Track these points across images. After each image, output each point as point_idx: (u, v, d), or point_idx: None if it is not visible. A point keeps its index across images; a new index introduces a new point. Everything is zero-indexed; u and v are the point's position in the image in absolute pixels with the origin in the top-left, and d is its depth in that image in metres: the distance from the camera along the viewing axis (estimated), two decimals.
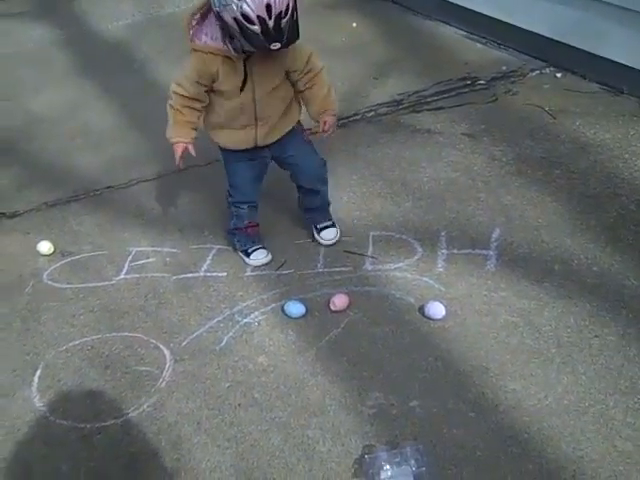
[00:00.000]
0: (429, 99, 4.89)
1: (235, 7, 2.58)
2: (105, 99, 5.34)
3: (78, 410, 2.91)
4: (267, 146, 3.25)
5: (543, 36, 5.08)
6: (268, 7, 2.56)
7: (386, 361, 2.97)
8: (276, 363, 3.02)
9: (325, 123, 3.19)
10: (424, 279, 3.35)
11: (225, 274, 3.52)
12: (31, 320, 3.36)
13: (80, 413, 2.89)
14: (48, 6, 7.28)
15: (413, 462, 2.45)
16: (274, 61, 2.93)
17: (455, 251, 3.50)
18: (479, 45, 5.55)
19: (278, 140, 3.25)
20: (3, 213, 4.14)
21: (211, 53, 2.88)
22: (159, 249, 3.74)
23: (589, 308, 3.10)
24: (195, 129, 3.15)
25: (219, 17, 2.70)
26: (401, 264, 3.45)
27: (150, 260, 3.67)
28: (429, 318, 3.13)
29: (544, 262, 3.37)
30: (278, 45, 2.67)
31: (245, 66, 2.91)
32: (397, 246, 3.56)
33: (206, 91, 3.03)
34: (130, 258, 3.69)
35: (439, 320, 3.12)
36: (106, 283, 3.55)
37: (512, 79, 5.01)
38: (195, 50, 2.90)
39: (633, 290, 3.15)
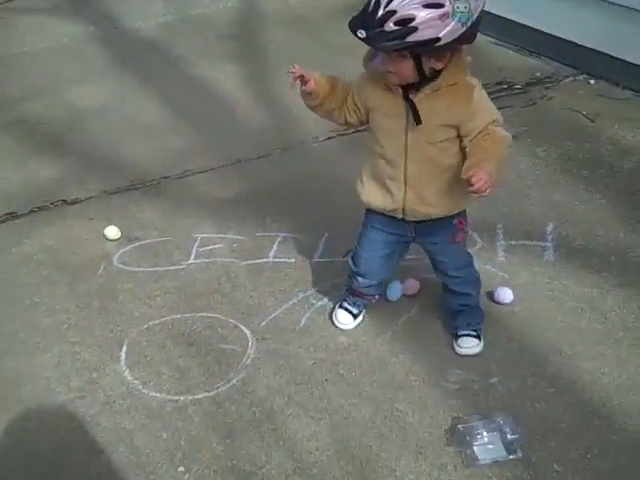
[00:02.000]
0: None
1: None
2: (147, 93, 5.45)
3: (169, 384, 3.02)
4: (414, 225, 2.77)
5: (575, 43, 5.26)
6: None
7: None
8: (356, 342, 3.15)
9: (475, 176, 2.29)
10: (487, 267, 3.50)
11: (293, 260, 3.65)
12: (109, 300, 3.46)
13: (171, 386, 3.00)
14: (78, 2, 7.37)
15: (508, 429, 2.60)
16: (444, 106, 2.45)
17: (513, 242, 3.67)
18: (510, 52, 5.74)
19: (428, 223, 2.74)
20: (64, 200, 4.24)
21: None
22: (224, 236, 3.86)
23: None
24: (327, 92, 2.61)
25: None
26: None
27: (217, 246, 3.79)
28: (498, 303, 3.28)
29: (600, 254, 3.54)
30: (362, 33, 2.22)
31: (406, 100, 2.46)
32: None
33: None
34: (197, 244, 3.81)
35: (508, 305, 3.27)
36: (177, 267, 3.66)
37: (547, 85, 5.20)
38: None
39: None
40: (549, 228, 3.74)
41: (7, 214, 4.16)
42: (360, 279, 2.99)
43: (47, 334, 3.30)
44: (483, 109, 2.50)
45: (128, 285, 3.57)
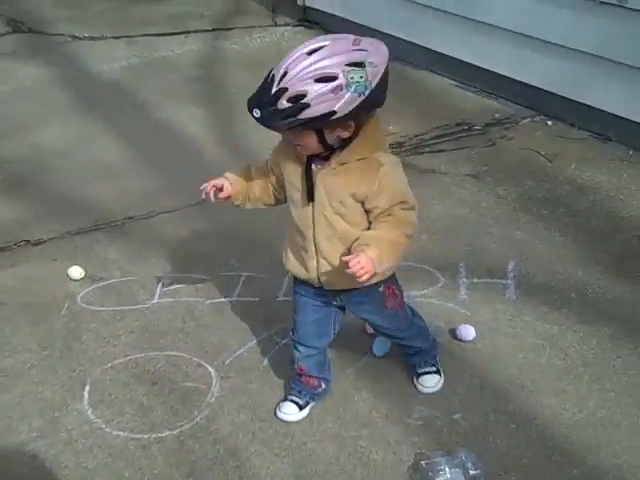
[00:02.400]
0: (430, 142, 5.14)
1: None
2: (112, 135, 5.47)
3: (132, 422, 3.00)
4: (336, 293, 2.67)
5: (532, 86, 5.39)
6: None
7: None
8: None
9: (352, 260, 2.27)
10: (450, 304, 3.55)
11: (258, 299, 3.67)
12: (72, 339, 3.46)
13: (135, 425, 2.99)
14: (41, 47, 7.38)
15: (470, 465, 2.62)
16: (350, 181, 2.36)
17: (475, 280, 3.72)
18: (470, 94, 5.85)
19: (351, 292, 2.63)
20: (27, 240, 4.23)
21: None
22: (188, 275, 3.87)
23: (608, 332, 3.33)
24: (244, 185, 2.67)
25: None
26: (425, 291, 3.65)
27: (181, 285, 3.79)
28: (460, 340, 3.32)
29: (561, 291, 3.61)
30: (257, 113, 2.21)
31: (308, 170, 2.40)
32: (419, 275, 3.75)
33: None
34: (161, 284, 3.81)
35: (470, 342, 3.31)
36: (141, 306, 3.66)
37: (506, 125, 5.31)
38: None
39: None
40: (510, 266, 3.80)
41: None
42: (300, 348, 2.84)
43: (9, 374, 3.27)
44: (390, 189, 2.35)
45: (92, 324, 3.56)
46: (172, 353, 3.36)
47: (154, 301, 3.71)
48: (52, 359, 3.36)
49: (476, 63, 5.78)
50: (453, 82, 6.00)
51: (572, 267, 3.76)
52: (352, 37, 2.21)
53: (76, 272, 3.87)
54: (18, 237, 4.26)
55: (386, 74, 2.21)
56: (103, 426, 2.99)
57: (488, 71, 5.70)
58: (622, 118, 4.85)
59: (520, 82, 5.47)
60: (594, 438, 2.83)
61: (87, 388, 3.19)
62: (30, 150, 5.35)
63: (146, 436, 2.94)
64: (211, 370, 3.25)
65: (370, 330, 3.34)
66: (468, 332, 3.33)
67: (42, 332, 3.52)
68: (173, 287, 3.80)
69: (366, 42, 2.17)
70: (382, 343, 3.29)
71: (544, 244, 3.96)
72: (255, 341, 3.41)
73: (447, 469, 2.62)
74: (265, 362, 3.29)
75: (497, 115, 5.44)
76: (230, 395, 3.12)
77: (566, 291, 3.60)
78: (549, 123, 5.28)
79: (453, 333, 3.36)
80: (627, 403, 2.97)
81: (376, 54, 2.18)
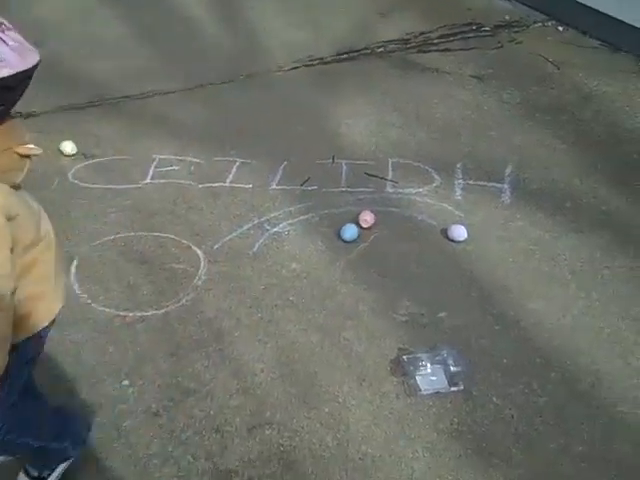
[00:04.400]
0: (435, 40, 5.02)
1: None
2: (114, 9, 5.35)
3: (118, 299, 3.00)
4: None
5: None
6: None
7: (413, 275, 3.14)
8: (308, 270, 3.16)
9: None
10: (444, 205, 3.52)
11: (250, 186, 3.64)
12: (61, 215, 3.41)
13: (120, 303, 2.99)
14: None
15: (451, 362, 2.64)
16: None
17: (471, 182, 3.68)
18: None
19: None
20: (19, 112, 4.12)
21: None
22: (182, 158, 3.82)
23: (599, 242, 3.32)
24: None
25: None
26: (420, 190, 3.62)
27: (175, 168, 3.75)
28: (452, 240, 3.31)
29: (556, 198, 3.58)
30: None
31: None
32: (415, 173, 3.72)
33: None
34: (154, 164, 3.78)
35: (461, 242, 3.30)
36: (133, 186, 3.63)
37: (515, 29, 5.19)
38: None
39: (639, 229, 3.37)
40: (507, 170, 3.76)
41: None
42: None
43: None
44: None
45: (82, 201, 3.53)
46: (162, 234, 3.34)
47: (147, 181, 3.68)
48: None
49: None
50: None
51: (570, 175, 3.73)
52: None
53: (68, 147, 3.82)
54: None
55: (16, 81, 1.60)
56: (89, 301, 2.99)
57: None
58: (636, 28, 4.71)
59: None
60: (575, 344, 2.84)
61: (74, 263, 3.18)
62: (29, 22, 5.18)
63: (131, 314, 2.94)
64: (200, 253, 3.24)
65: (365, 224, 3.32)
66: (460, 232, 3.31)
67: None
68: (166, 169, 3.76)
69: (16, 38, 1.62)
70: (349, 228, 3.30)
71: (544, 150, 3.91)
72: (246, 227, 3.39)
73: (428, 364, 2.65)
74: (255, 248, 3.27)
75: (507, 17, 5.31)
76: (218, 279, 3.11)
77: (561, 199, 3.57)
78: (560, 29, 5.16)
79: (445, 233, 3.34)
80: (611, 312, 2.98)
81: (14, 53, 1.59)
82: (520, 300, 3.04)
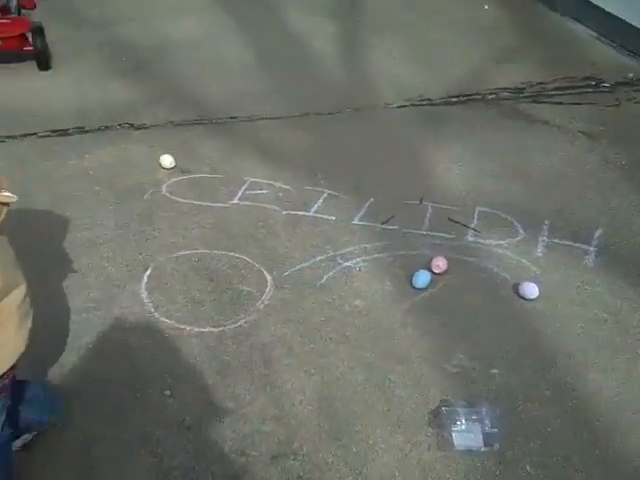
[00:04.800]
0: (551, 92, 4.93)
1: None
2: (238, 35, 5.55)
3: (180, 312, 3.10)
4: None
5: None
6: None
7: (475, 327, 3.09)
8: (371, 308, 3.16)
9: None
10: (522, 260, 3.45)
11: (334, 218, 3.67)
12: (146, 224, 3.56)
13: (182, 316, 3.09)
14: None
15: (487, 422, 2.58)
16: None
17: (556, 240, 3.59)
18: (608, 48, 5.55)
19: None
20: (131, 124, 4.35)
21: None
22: (273, 183, 3.90)
23: None
24: None
25: None
26: (502, 242, 3.56)
27: (264, 192, 3.84)
28: (522, 297, 3.24)
29: None
30: None
31: None
32: (500, 225, 3.66)
33: None
34: (245, 186, 3.88)
35: (531, 300, 3.22)
36: (220, 205, 3.74)
37: (637, 87, 5.01)
38: None
39: None
40: (597, 233, 3.66)
41: (77, 128, 4.33)
42: None
43: (81, 245, 3.44)
44: None
45: (169, 214, 3.67)
46: (236, 255, 3.42)
47: (234, 201, 3.78)
48: (124, 239, 3.49)
49: (623, 17, 5.44)
50: (594, 33, 5.71)
51: None
52: None
53: (167, 161, 3.98)
54: (123, 119, 4.41)
55: None
56: (152, 310, 3.11)
57: (634, 27, 5.36)
58: None
59: None
60: (629, 423, 2.72)
61: (148, 272, 3.30)
62: (155, 37, 5.47)
63: (189, 328, 3.03)
64: (268, 278, 3.30)
65: (438, 270, 3.30)
66: (532, 290, 3.24)
67: (122, 212, 3.65)
68: (255, 192, 3.85)
69: None
70: (422, 275, 3.27)
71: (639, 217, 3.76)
72: (318, 258, 3.43)
73: (464, 420, 2.59)
74: (323, 280, 3.31)
75: (631, 75, 5.15)
76: (279, 306, 3.16)
77: None
78: None
79: (516, 288, 3.26)
80: None
81: None
82: (580, 368, 2.94)
